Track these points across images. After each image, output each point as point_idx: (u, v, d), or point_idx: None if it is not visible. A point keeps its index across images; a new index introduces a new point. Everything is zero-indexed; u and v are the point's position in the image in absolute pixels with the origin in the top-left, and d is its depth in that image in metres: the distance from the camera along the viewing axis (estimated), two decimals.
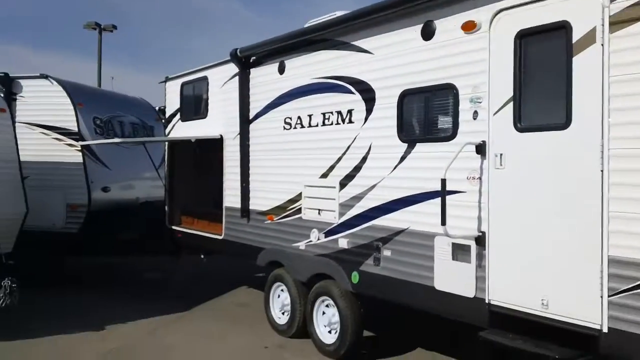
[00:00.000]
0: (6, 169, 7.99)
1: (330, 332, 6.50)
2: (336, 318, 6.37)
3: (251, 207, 7.80)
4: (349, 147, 6.13)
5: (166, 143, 10.28)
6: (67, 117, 9.71)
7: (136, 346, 6.85)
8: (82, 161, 9.63)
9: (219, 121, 8.58)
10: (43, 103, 9.79)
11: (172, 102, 9.87)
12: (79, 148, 9.64)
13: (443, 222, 4.78)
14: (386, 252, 5.63)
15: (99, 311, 8.34)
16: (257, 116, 7.70)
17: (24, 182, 8.30)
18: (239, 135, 7.97)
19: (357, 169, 6.01)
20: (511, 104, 4.62)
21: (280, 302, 7.35)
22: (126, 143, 10.58)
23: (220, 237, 8.48)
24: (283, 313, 7.35)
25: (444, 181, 4.77)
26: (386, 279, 5.64)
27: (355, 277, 6.01)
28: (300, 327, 7.00)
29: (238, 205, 7.99)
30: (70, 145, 9.70)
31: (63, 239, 9.67)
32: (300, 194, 6.85)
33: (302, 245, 6.82)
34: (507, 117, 4.64)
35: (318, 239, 6.56)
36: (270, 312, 7.49)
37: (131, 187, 10.89)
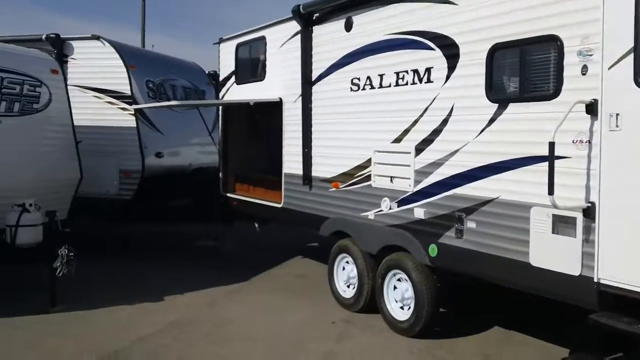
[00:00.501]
0: (60, 133, 7.75)
1: (402, 307, 6.08)
2: (410, 293, 5.94)
3: (314, 174, 7.37)
4: (426, 109, 5.60)
5: (220, 107, 9.90)
6: (120, 80, 9.40)
7: (196, 319, 6.56)
8: (135, 126, 9.34)
9: (278, 83, 8.12)
10: (95, 65, 9.48)
11: (227, 65, 9.45)
12: (132, 112, 9.35)
13: (551, 192, 4.22)
14: (470, 224, 5.13)
15: (155, 281, 8.11)
16: (320, 77, 7.20)
17: (78, 147, 8.07)
18: (300, 98, 7.51)
19: (437, 132, 5.49)
20: (631, 56, 4.01)
21: (346, 274, 6.95)
22: (179, 107, 10.25)
23: (279, 206, 8.10)
24: (348, 286, 6.96)
25: (552, 145, 4.20)
26: (470, 252, 5.15)
27: (433, 249, 5.54)
28: (368, 301, 6.60)
29: (299, 172, 7.57)
30: (123, 109, 9.41)
31: (116, 206, 9.46)
32: (370, 160, 6.37)
33: (371, 214, 6.37)
34: (626, 72, 4.03)
35: (390, 209, 6.09)
36: (334, 284, 7.11)
37: (184, 152, 10.59)
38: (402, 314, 6.04)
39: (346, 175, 6.77)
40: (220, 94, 9.54)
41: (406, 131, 5.84)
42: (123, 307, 6.89)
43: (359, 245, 6.63)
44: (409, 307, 5.96)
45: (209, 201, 10.07)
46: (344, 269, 7.05)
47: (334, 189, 6.99)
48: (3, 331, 6.10)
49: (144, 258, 9.51)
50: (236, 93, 9.15)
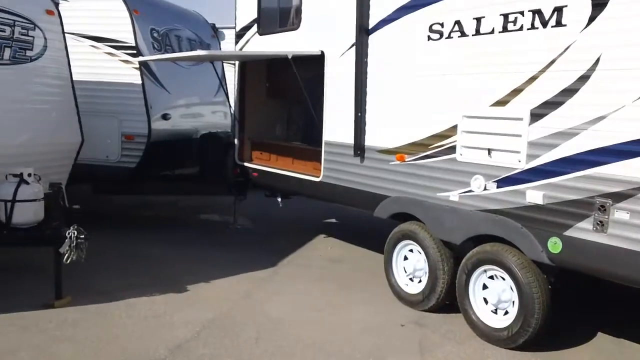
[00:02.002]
0: (58, 87, 6.34)
1: (495, 311, 4.98)
2: (508, 295, 4.82)
3: (368, 143, 6.13)
4: (552, 62, 4.37)
5: (236, 63, 8.51)
6: (122, 27, 7.93)
7: (236, 317, 5.35)
8: (140, 82, 7.92)
9: (318, 33, 6.78)
10: (92, 9, 7.99)
11: (246, 11, 8.03)
12: (137, 65, 7.93)
13: None
14: (620, 214, 3.98)
15: (172, 263, 6.85)
16: (381, 24, 5.89)
17: (78, 105, 6.68)
18: (351, 51, 6.21)
19: (568, 93, 4.27)
20: None
21: (411, 265, 5.79)
22: (186, 62, 8.84)
23: (316, 179, 6.86)
24: (411, 279, 5.82)
25: None
26: (618, 251, 4.02)
27: (555, 244, 4.39)
28: (441, 299, 5.49)
29: (347, 140, 6.32)
30: (125, 61, 7.97)
31: (118, 175, 8.10)
32: (455, 127, 5.16)
33: (454, 195, 5.20)
34: None
35: (485, 189, 4.93)
36: (393, 276, 5.95)
37: (192, 114, 9.23)
38: (497, 321, 4.92)
39: (417, 146, 5.56)
40: (237, 47, 8.13)
41: (516, 91, 4.63)
42: (142, 299, 5.64)
43: (433, 232, 5.47)
44: (507, 312, 4.86)
45: (221, 171, 8.76)
46: (406, 258, 5.89)
47: (397, 162, 5.78)
48: (2, 333, 4.84)
49: (153, 236, 8.21)
50: (259, 45, 7.77)
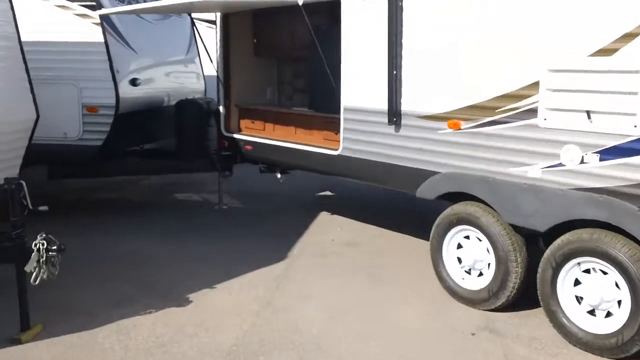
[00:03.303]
0: (3, 50, 4.86)
1: (592, 312, 4.00)
2: (613, 293, 3.85)
3: (406, 107, 4.96)
4: None
5: (217, 16, 7.10)
6: None
7: (263, 336, 4.17)
8: (103, 40, 6.45)
9: None
10: None
11: None
12: (97, 20, 6.43)
13: None
14: None
15: (163, 264, 5.60)
16: None
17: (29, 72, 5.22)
18: None
19: None
20: None
21: (468, 255, 4.73)
22: (163, 12, 7.38)
23: (334, 153, 5.69)
24: (468, 272, 4.80)
25: None
26: None
27: None
28: (513, 296, 4.48)
29: (377, 104, 5.14)
30: (83, 15, 6.45)
31: (80, 156, 6.69)
32: (535, 84, 4.05)
33: (535, 170, 4.13)
34: None
35: (582, 162, 3.88)
36: (443, 268, 4.90)
37: (163, 78, 7.81)
38: (599, 325, 3.94)
39: (478, 110, 4.44)
40: None
41: (630, 36, 3.56)
42: (137, 321, 4.40)
43: (503, 217, 4.42)
44: (611, 314, 3.89)
45: (202, 144, 7.45)
46: (460, 246, 4.85)
47: (450, 130, 4.66)
48: None
49: (127, 226, 6.89)
50: None
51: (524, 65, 4.12)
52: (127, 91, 6.77)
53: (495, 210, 4.48)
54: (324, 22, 5.87)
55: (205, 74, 8.81)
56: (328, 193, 8.68)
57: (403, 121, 5.01)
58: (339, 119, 5.73)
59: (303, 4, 5.34)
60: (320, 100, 6.15)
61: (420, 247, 6.07)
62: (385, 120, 5.09)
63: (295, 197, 8.34)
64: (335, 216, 7.42)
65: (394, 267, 5.55)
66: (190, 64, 8.45)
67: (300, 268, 5.60)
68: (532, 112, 4.10)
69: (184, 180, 9.10)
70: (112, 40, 6.56)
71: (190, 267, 5.56)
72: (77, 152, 6.67)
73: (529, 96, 4.11)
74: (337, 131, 5.90)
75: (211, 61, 7.01)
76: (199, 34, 6.69)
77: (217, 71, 7.11)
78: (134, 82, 6.89)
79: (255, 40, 7.21)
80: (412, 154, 4.98)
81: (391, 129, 5.10)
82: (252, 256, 5.83)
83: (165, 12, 7.52)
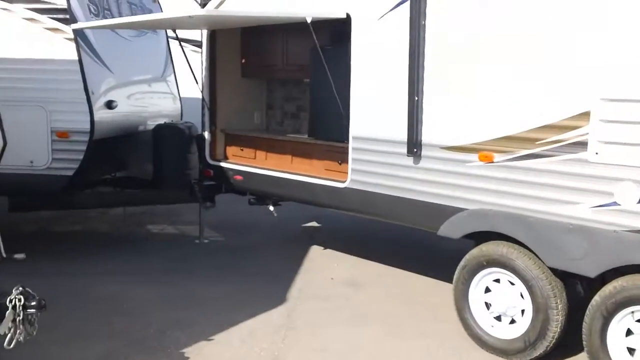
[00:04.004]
0: None
1: None
2: None
3: (428, 137, 4.50)
4: None
5: (202, 33, 6.54)
6: None
7: None
8: (77, 58, 5.79)
9: None
10: None
11: None
12: (71, 35, 5.78)
13: None
14: None
15: (150, 315, 4.88)
16: None
17: None
18: (399, 11, 4.55)
19: None
20: None
21: (499, 300, 4.26)
22: (130, 32, 6.77)
23: (340, 185, 5.18)
24: (498, 318, 4.34)
25: None
26: None
27: None
28: (552, 346, 4.04)
29: (393, 134, 4.68)
30: (54, 30, 5.79)
31: (48, 187, 5.98)
32: (584, 115, 3.66)
33: (584, 209, 3.72)
34: None
35: None
36: (469, 315, 4.41)
37: (140, 100, 7.16)
38: None
39: (515, 141, 4.02)
40: (211, 5, 6.14)
41: None
42: None
43: (545, 259, 3.99)
44: None
45: (182, 172, 6.84)
46: (488, 290, 4.39)
47: (480, 163, 4.23)
48: None
49: (101, 264, 6.19)
50: (238, 6, 5.88)
51: (572, 93, 3.73)
52: (102, 115, 6.11)
53: (533, 252, 4.05)
54: (327, 41, 5.40)
55: (181, 95, 8.22)
56: (314, 224, 8.15)
57: (424, 152, 4.55)
58: (343, 147, 5.27)
59: (311, 22, 4.85)
60: (321, 127, 5.65)
61: (433, 287, 5.61)
62: (404, 150, 4.63)
63: (279, 229, 7.77)
64: (329, 250, 6.89)
65: (408, 313, 5.03)
66: (167, 85, 7.83)
67: (304, 315, 5.02)
68: (581, 145, 3.71)
69: (154, 209, 8.40)
70: (87, 58, 5.92)
71: (179, 314, 4.91)
72: (44, 183, 5.96)
73: (577, 127, 3.72)
74: (341, 161, 5.43)
75: (196, 82, 6.43)
76: (185, 54, 6.12)
77: (202, 93, 6.53)
78: (109, 105, 6.23)
79: (243, 60, 6.68)
80: (434, 188, 4.52)
81: (410, 161, 4.64)
82: (247, 301, 5.23)
83: (150, 27, 6.92)
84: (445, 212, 4.47)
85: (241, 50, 6.67)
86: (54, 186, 5.97)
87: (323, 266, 6.34)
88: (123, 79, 6.71)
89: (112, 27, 6.30)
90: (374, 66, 4.82)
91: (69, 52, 5.80)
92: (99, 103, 6.06)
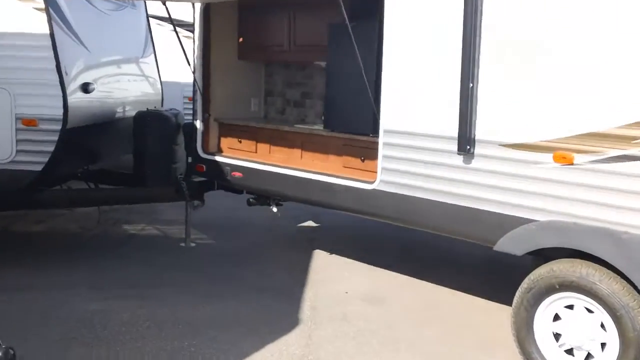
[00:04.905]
0: None
1: None
2: None
3: (485, 132, 3.75)
4: None
5: (195, 6, 5.62)
6: None
7: None
8: (48, 32, 4.82)
9: None
10: None
11: None
12: (41, 5, 4.80)
13: None
14: None
15: (137, 344, 3.98)
16: None
17: None
18: None
19: None
20: None
21: (572, 331, 3.54)
22: (112, 5, 5.82)
23: (369, 187, 4.39)
24: (570, 352, 3.62)
25: None
26: None
27: None
28: None
29: (438, 128, 3.91)
30: None
31: (11, 184, 5.01)
32: None
33: None
34: None
35: None
36: (534, 348, 3.67)
37: (119, 84, 6.20)
38: None
39: (602, 139, 3.28)
40: None
41: None
42: None
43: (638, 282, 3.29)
44: None
45: (167, 167, 5.96)
46: (558, 318, 3.67)
47: (556, 164, 3.48)
48: None
49: (78, 275, 5.24)
50: None
51: None
52: (78, 99, 5.16)
53: (624, 274, 3.34)
54: (348, 17, 4.57)
55: (162, 79, 7.30)
56: (312, 224, 7.35)
57: (480, 150, 3.79)
58: (367, 142, 4.50)
59: None
60: (339, 117, 4.82)
61: (462, 301, 4.88)
62: (453, 147, 3.85)
63: (273, 229, 6.94)
64: (335, 257, 6.09)
65: (445, 336, 4.29)
66: (147, 67, 6.89)
67: (324, 342, 4.20)
68: None
69: (130, 205, 7.44)
70: (60, 32, 4.94)
71: (174, 343, 4.05)
72: (7, 179, 5.00)
73: None
74: (364, 157, 4.65)
75: (189, 64, 5.52)
76: (178, 36, 5.23)
77: (194, 77, 5.63)
78: (86, 88, 5.28)
79: (240, 40, 5.80)
80: (491, 194, 3.76)
81: (460, 160, 3.87)
82: (252, 323, 4.40)
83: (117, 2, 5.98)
84: (505, 223, 3.72)
85: (238, 28, 5.79)
86: (18, 182, 5.02)
87: (332, 276, 5.54)
88: (101, 57, 5.76)
89: None
90: (414, 45, 4.02)
91: (40, 25, 4.82)
92: (73, 85, 5.11)
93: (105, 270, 5.42)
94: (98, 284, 5.09)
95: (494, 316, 4.58)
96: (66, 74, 4.94)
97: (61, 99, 4.88)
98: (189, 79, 6.94)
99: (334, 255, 6.14)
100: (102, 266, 5.52)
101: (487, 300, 4.81)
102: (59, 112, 4.91)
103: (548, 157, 3.50)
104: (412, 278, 5.42)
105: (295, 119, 5.87)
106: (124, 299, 4.77)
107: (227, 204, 6.83)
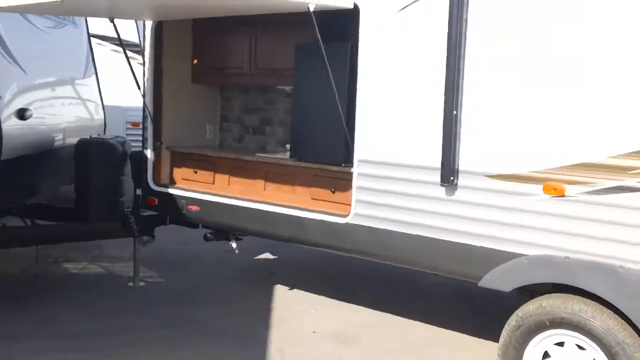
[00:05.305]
0: None
1: None
2: None
3: (469, 162, 3.54)
4: None
5: (145, 25, 5.22)
6: None
7: None
8: None
9: None
10: None
11: None
12: None
13: None
14: None
15: None
16: None
17: None
18: (423, 3, 3.59)
19: None
20: None
21: None
22: (46, 23, 5.35)
23: (342, 220, 4.10)
24: None
25: None
26: None
27: None
28: None
29: (417, 158, 3.69)
30: None
31: None
32: None
33: None
34: None
35: None
36: None
37: (58, 109, 5.69)
38: None
39: (597, 170, 3.13)
40: None
41: None
42: None
43: (638, 322, 3.12)
44: None
45: (114, 201, 5.48)
46: (547, 356, 3.47)
47: (546, 196, 3.31)
48: None
49: (20, 324, 4.66)
50: None
51: None
52: (13, 127, 4.65)
53: (619, 310, 3.18)
54: (314, 38, 4.32)
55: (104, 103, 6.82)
56: (269, 255, 6.98)
57: (464, 181, 3.57)
58: (338, 172, 4.23)
59: (314, 11, 3.74)
60: (307, 146, 4.52)
61: (448, 339, 4.63)
62: (435, 179, 3.63)
63: (227, 263, 6.54)
64: (297, 292, 5.75)
65: None
66: (88, 90, 6.40)
67: None
68: None
69: (104, 251, 6.81)
70: None
71: None
72: None
73: None
74: (334, 189, 4.37)
75: (139, 88, 5.11)
76: (127, 56, 4.83)
77: (144, 102, 5.22)
78: (22, 115, 4.77)
79: (195, 62, 5.44)
80: (477, 228, 3.55)
81: (443, 192, 3.65)
82: None
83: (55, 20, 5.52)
84: (491, 257, 3.51)
85: (193, 49, 5.44)
86: None
87: (297, 314, 5.19)
88: (38, 80, 5.26)
89: (34, 12, 4.86)
90: (393, 71, 3.80)
91: None
92: (8, 111, 4.60)
93: (47, 319, 4.85)
94: (39, 335, 4.52)
95: (477, 353, 4.35)
96: (0, 97, 4.44)
97: None
98: (132, 102, 6.52)
99: (296, 290, 5.80)
100: (43, 313, 4.96)
101: (467, 336, 4.58)
102: None
103: (538, 188, 3.33)
104: (383, 313, 5.14)
105: (254, 147, 5.53)
106: (70, 354, 4.25)
107: (177, 237, 6.38)
